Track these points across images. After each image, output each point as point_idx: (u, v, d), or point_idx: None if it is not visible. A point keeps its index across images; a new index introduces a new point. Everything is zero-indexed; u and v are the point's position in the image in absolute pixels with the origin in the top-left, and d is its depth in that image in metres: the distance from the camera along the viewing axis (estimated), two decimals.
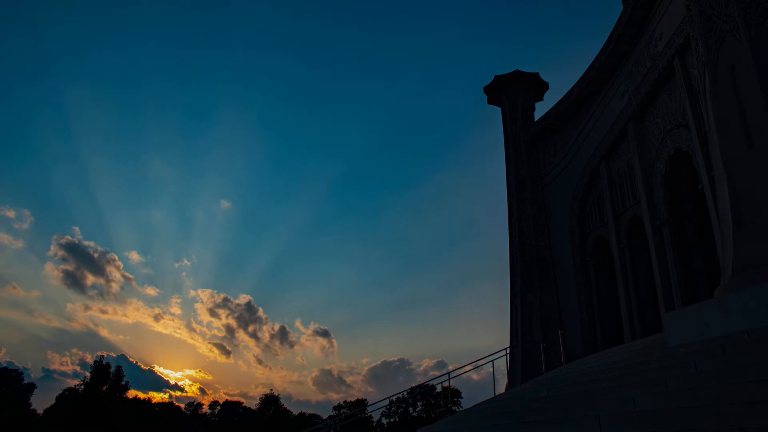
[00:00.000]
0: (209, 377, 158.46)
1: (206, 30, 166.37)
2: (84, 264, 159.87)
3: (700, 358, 8.62)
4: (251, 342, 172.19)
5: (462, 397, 67.05)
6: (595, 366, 13.18)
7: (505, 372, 24.95)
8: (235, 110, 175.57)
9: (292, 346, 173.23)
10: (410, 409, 75.36)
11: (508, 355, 25.14)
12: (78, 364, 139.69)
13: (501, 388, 21.48)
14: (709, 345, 9.55)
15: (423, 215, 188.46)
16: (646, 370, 9.83)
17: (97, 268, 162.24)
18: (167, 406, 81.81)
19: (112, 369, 66.13)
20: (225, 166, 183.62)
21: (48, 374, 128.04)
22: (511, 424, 10.08)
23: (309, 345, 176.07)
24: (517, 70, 31.34)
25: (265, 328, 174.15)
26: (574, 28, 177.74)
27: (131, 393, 69.90)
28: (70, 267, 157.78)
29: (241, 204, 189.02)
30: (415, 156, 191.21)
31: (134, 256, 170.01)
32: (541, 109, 32.07)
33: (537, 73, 31.73)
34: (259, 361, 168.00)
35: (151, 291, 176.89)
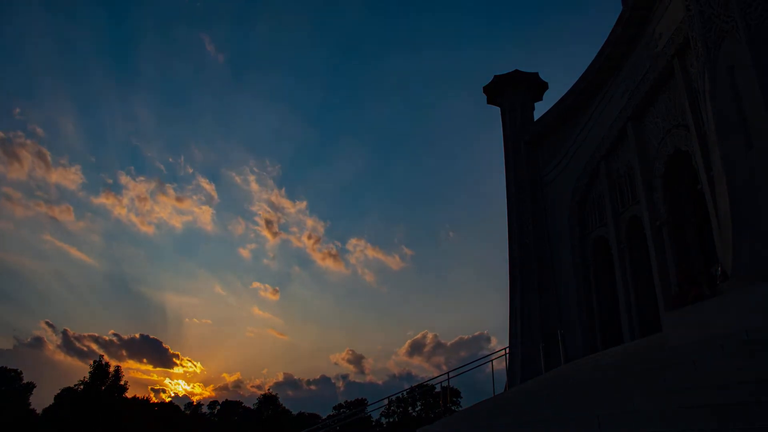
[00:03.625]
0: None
1: None
2: None
3: (700, 358, 8.62)
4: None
5: (462, 397, 67.04)
6: (595, 366, 13.18)
7: (505, 372, 24.95)
8: None
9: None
10: (410, 408, 75.36)
11: (508, 355, 25.14)
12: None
13: (501, 388, 21.47)
14: (709, 345, 9.55)
15: (422, 216, 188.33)
16: (646, 370, 9.82)
17: None
18: (167, 406, 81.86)
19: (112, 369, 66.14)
20: None
21: None
22: (510, 424, 10.08)
23: None
24: (516, 70, 31.33)
25: None
26: (574, 28, 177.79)
27: (130, 393, 69.86)
28: None
29: None
30: (414, 155, 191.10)
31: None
32: (540, 109, 32.15)
33: (536, 73, 31.73)
34: None
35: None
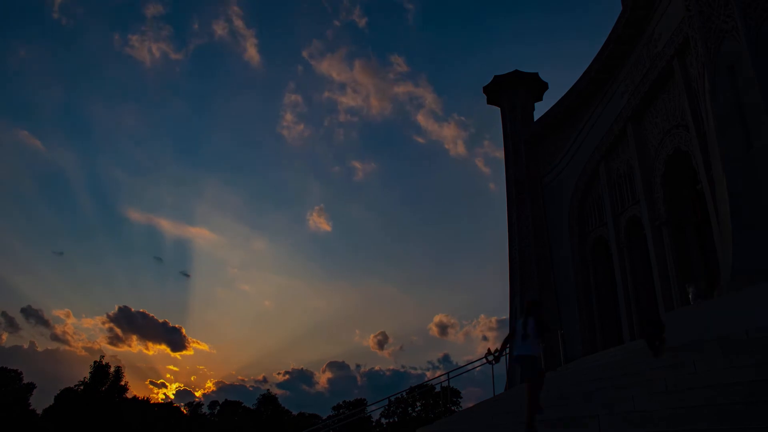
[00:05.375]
0: None
1: None
2: None
3: (700, 358, 8.62)
4: None
5: (462, 397, 67.10)
6: (595, 366, 13.18)
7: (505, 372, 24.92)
8: None
9: None
10: (409, 409, 75.34)
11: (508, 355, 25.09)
12: None
13: (500, 388, 21.45)
14: (708, 345, 9.56)
15: (421, 217, 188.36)
16: (646, 370, 9.82)
17: None
18: (167, 406, 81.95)
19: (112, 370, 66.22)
20: None
21: None
22: (510, 424, 10.07)
23: None
24: (516, 71, 31.35)
25: None
26: (574, 28, 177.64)
27: (130, 393, 69.88)
28: None
29: None
30: (413, 157, 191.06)
31: None
32: (540, 109, 32.24)
33: (536, 74, 31.75)
34: None
35: None
